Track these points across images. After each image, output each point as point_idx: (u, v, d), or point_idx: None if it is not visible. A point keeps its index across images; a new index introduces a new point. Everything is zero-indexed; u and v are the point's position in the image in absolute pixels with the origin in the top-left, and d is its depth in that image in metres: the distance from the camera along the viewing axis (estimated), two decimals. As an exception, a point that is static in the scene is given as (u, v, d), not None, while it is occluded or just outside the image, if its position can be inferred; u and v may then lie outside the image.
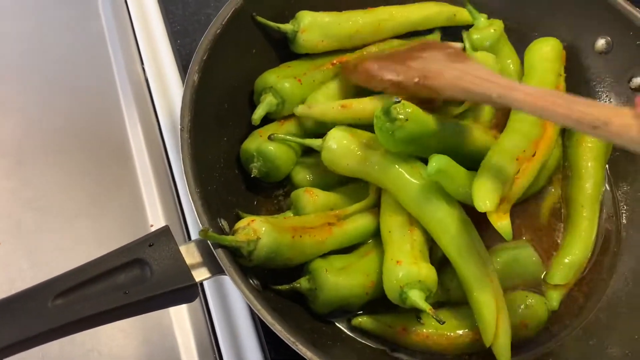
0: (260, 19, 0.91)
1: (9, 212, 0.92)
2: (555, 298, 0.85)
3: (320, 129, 0.86)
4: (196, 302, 0.87)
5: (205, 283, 0.87)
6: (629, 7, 0.93)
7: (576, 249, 0.88)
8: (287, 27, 0.91)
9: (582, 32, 0.98)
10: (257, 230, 0.72)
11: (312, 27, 0.91)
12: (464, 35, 0.98)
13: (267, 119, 0.89)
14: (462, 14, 1.02)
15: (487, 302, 0.75)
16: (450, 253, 0.77)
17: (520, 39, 1.02)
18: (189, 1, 1.15)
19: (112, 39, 1.11)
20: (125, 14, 1.13)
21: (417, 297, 0.73)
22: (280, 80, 0.87)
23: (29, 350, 0.60)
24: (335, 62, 0.92)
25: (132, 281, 0.64)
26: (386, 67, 0.84)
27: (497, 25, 0.98)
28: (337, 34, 0.93)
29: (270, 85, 0.87)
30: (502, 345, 0.75)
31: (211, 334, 0.85)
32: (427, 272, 0.74)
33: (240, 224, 0.74)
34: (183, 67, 1.05)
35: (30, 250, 0.90)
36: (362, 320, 0.80)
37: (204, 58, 0.82)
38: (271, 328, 0.67)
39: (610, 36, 0.96)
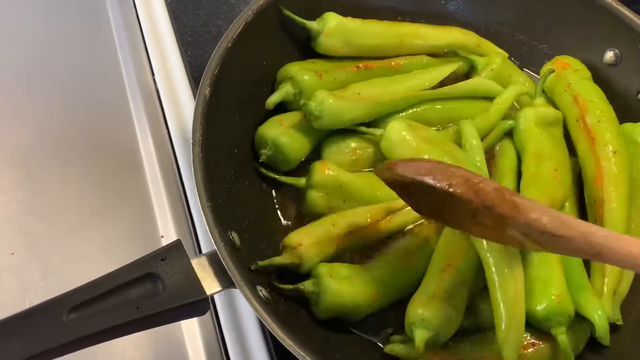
0: (287, 12, 0.92)
1: (21, 223, 0.93)
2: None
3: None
4: (207, 315, 0.87)
5: (215, 295, 0.88)
6: (637, 20, 0.94)
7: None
8: (312, 24, 0.93)
9: (590, 45, 0.99)
10: (301, 256, 0.79)
11: (336, 31, 0.92)
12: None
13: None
14: (486, 46, 1.02)
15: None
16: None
17: (529, 52, 1.03)
18: (200, 12, 1.16)
19: (123, 50, 1.12)
20: (136, 24, 1.14)
21: (418, 336, 0.74)
22: (301, 72, 0.89)
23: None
24: (360, 65, 0.94)
25: (144, 295, 0.65)
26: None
27: (494, 61, 0.98)
28: (359, 43, 0.94)
29: (291, 76, 0.90)
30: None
31: (221, 346, 0.85)
32: (433, 312, 0.74)
33: (288, 242, 0.80)
34: (194, 78, 1.06)
35: (42, 261, 0.90)
36: (395, 348, 0.78)
37: (215, 72, 0.82)
38: (281, 342, 0.68)
39: (618, 49, 0.97)
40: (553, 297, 0.75)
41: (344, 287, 0.78)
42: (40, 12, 1.17)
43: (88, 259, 0.91)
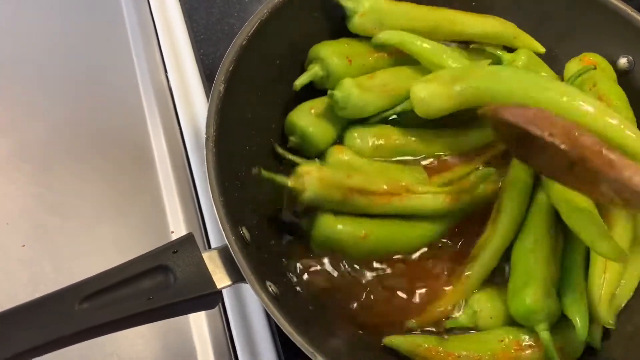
0: None
1: (34, 216, 0.94)
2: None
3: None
4: (215, 309, 0.88)
5: (224, 290, 0.88)
6: (625, 7, 0.93)
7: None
8: (347, 3, 0.93)
9: (603, 51, 0.98)
10: (305, 183, 0.79)
11: (371, 11, 0.92)
12: None
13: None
14: (523, 39, 1.00)
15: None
16: None
17: (541, 57, 1.03)
18: (213, 11, 1.17)
19: (137, 47, 1.13)
20: (150, 22, 1.15)
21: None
22: (331, 55, 0.90)
23: (49, 354, 0.61)
24: (393, 51, 0.93)
25: (156, 287, 0.66)
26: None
27: (520, 57, 0.97)
28: (392, 25, 0.93)
29: (321, 57, 0.90)
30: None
31: (229, 341, 0.86)
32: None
33: (301, 169, 0.80)
34: (206, 76, 1.06)
35: (53, 254, 0.91)
36: (394, 340, 0.79)
37: (230, 69, 0.83)
38: (289, 337, 0.68)
39: (632, 55, 0.96)
40: (531, 295, 0.77)
41: (336, 221, 0.81)
42: (56, 10, 1.18)
43: (98, 253, 0.92)
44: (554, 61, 1.02)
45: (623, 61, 0.97)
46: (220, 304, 0.88)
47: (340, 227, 0.81)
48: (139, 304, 0.64)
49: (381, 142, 0.89)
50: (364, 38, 0.95)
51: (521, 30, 1.01)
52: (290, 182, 0.80)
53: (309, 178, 0.79)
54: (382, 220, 0.84)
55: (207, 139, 0.78)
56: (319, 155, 0.90)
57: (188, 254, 0.68)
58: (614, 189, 0.64)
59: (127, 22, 1.16)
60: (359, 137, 0.89)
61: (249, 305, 0.87)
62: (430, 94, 0.85)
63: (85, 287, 0.63)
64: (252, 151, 0.88)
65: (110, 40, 1.15)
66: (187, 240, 0.69)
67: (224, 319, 0.87)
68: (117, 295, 0.64)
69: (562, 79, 0.98)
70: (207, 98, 0.97)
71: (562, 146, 0.67)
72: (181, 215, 0.95)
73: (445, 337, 0.80)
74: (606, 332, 0.83)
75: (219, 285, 0.69)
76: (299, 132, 0.89)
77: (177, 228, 0.94)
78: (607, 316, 0.80)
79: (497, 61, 0.99)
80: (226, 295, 0.88)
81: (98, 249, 0.93)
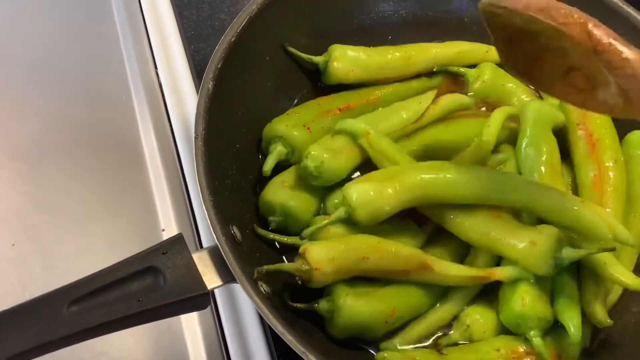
0: (291, 49, 0.95)
1: (24, 215, 0.93)
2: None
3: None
4: (207, 309, 0.87)
5: (216, 290, 0.88)
6: (627, 8, 0.93)
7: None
8: (319, 59, 0.95)
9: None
10: (314, 278, 0.74)
11: (343, 57, 0.95)
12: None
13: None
14: (494, 52, 0.99)
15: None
16: None
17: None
18: (203, 7, 1.16)
19: (127, 43, 1.12)
20: (140, 18, 1.13)
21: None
22: (290, 130, 0.86)
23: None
24: (342, 107, 0.92)
25: (145, 289, 0.65)
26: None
27: (485, 72, 0.97)
28: (367, 64, 0.96)
29: (280, 135, 0.86)
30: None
31: (221, 341, 0.85)
32: None
33: (306, 252, 0.74)
34: (197, 72, 1.06)
35: (43, 253, 0.90)
36: (388, 356, 0.77)
37: (219, 66, 0.82)
38: (281, 337, 0.68)
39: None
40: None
41: (360, 303, 0.76)
42: (45, 6, 1.17)
43: (89, 252, 0.91)
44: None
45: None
46: (212, 303, 0.87)
47: (365, 308, 0.76)
48: (128, 306, 0.63)
49: None
50: (310, 101, 0.94)
51: (489, 45, 1.00)
52: (297, 266, 0.74)
53: (316, 255, 0.74)
54: (405, 287, 0.80)
55: (196, 138, 0.77)
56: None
57: (178, 254, 0.68)
58: (622, 87, 0.62)
59: (116, 19, 1.15)
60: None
61: (242, 304, 0.86)
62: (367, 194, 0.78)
63: (74, 291, 0.63)
64: (242, 150, 0.88)
65: (100, 36, 1.14)
66: (177, 241, 0.69)
67: (216, 318, 0.87)
68: (106, 298, 0.64)
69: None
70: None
71: (578, 37, 0.61)
72: (172, 213, 0.95)
73: (444, 352, 0.78)
74: (596, 331, 0.83)
75: (209, 286, 0.68)
76: (279, 209, 0.83)
77: (169, 226, 0.94)
78: (603, 316, 0.80)
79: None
80: (218, 294, 0.87)
81: (89, 248, 0.92)
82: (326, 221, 0.79)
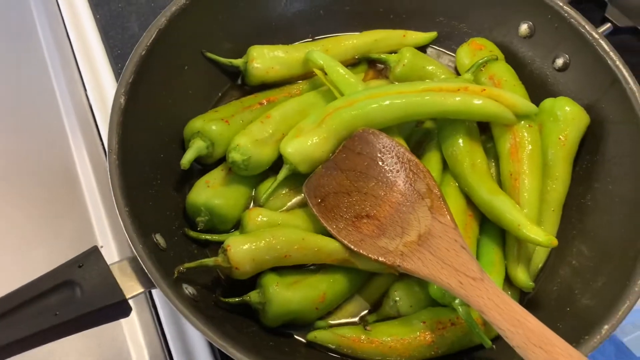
0: (210, 55, 0.96)
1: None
2: None
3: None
4: (147, 315, 0.89)
5: (155, 296, 0.90)
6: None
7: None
8: (238, 61, 0.97)
9: (506, 19, 1.01)
10: (233, 260, 0.76)
11: (261, 56, 0.96)
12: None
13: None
14: (412, 36, 1.04)
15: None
16: None
17: (449, 32, 1.05)
18: (129, 25, 1.17)
19: (55, 68, 1.13)
20: (67, 42, 1.14)
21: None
22: (207, 124, 0.87)
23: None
24: (263, 101, 0.94)
25: (62, 302, 0.67)
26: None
27: (405, 56, 0.99)
28: (286, 61, 0.98)
29: (198, 130, 0.88)
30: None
31: (164, 346, 0.87)
32: None
33: (227, 245, 0.77)
34: (125, 90, 1.07)
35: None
36: (317, 335, 0.80)
37: (130, 81, 0.84)
38: (204, 336, 0.70)
39: (531, 21, 0.99)
40: None
41: (290, 293, 0.78)
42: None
43: (28, 273, 0.91)
44: (464, 35, 1.05)
45: (524, 27, 1.00)
46: (152, 309, 0.89)
47: (296, 296, 0.79)
48: (44, 320, 0.65)
49: (292, 194, 0.89)
50: (233, 100, 0.96)
51: (405, 30, 1.04)
52: (218, 261, 0.77)
53: (237, 254, 0.76)
54: (333, 272, 0.83)
55: (110, 152, 0.79)
56: (236, 225, 0.88)
57: (94, 266, 0.69)
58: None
59: (43, 45, 1.16)
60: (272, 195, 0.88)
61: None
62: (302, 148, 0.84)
63: (-11, 310, 0.64)
64: (167, 160, 0.89)
65: (28, 62, 1.15)
66: (93, 254, 0.71)
67: (157, 323, 0.88)
68: (24, 315, 0.65)
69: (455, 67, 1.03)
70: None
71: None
72: (108, 229, 0.97)
73: (368, 328, 0.81)
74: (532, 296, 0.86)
75: (128, 294, 0.70)
76: (204, 209, 0.85)
77: (106, 242, 0.96)
78: (525, 279, 0.83)
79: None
80: (157, 299, 0.89)
81: (31, 273, 0.93)
82: (275, 182, 0.86)
